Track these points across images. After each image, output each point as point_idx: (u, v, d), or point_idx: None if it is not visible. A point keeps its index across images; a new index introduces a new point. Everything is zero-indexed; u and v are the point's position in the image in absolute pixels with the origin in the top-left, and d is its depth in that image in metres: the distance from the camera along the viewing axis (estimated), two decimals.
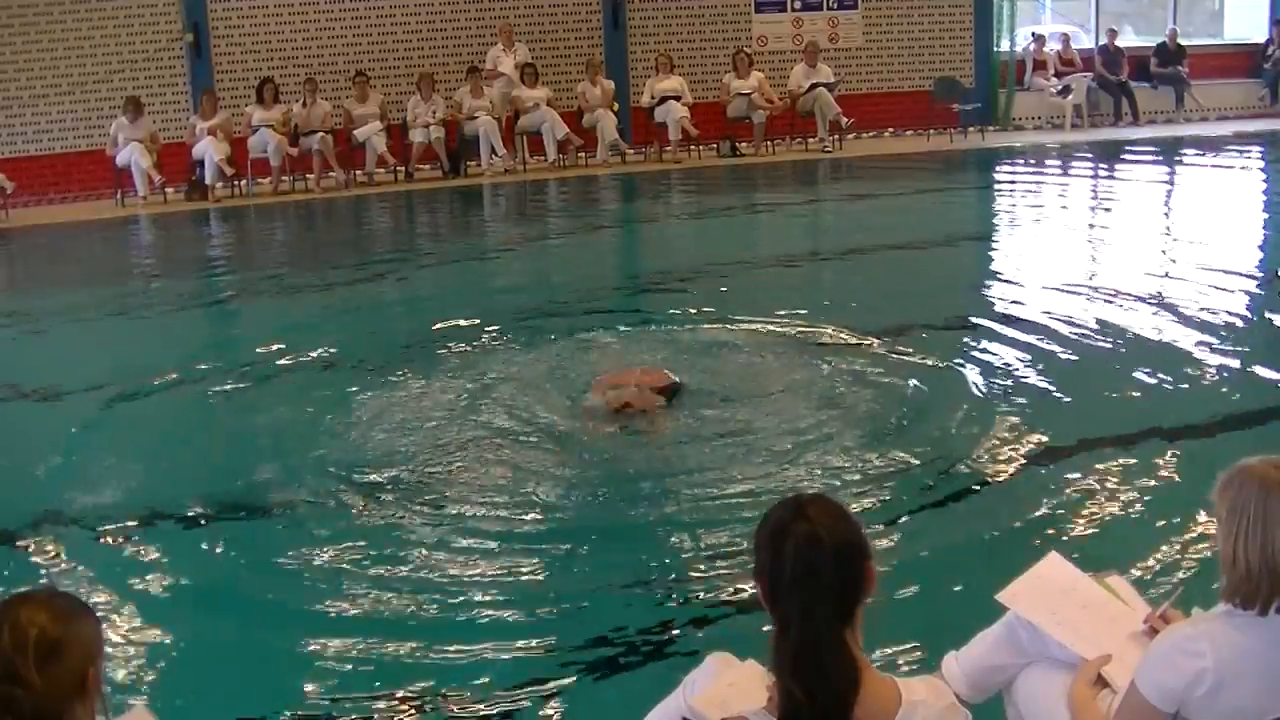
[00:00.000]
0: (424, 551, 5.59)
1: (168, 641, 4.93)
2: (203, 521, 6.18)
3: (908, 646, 4.29)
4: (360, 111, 18.75)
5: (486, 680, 4.54)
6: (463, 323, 9.75)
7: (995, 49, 21.86)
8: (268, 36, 19.72)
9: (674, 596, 5.18)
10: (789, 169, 19.15)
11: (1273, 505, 2.90)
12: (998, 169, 18.99)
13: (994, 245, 13.15)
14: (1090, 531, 5.46)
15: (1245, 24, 24.58)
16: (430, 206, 17.91)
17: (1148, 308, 9.27)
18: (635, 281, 12.21)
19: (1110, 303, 9.47)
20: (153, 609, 5.19)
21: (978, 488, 6.12)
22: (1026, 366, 8.00)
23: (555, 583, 5.34)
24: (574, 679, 4.55)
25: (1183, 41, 22.67)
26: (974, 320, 9.18)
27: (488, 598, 5.16)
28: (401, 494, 6.32)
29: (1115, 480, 6.00)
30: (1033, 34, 22.89)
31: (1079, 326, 8.85)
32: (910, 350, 8.50)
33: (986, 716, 3.57)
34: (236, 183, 18.32)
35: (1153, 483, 5.94)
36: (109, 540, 5.95)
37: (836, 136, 20.10)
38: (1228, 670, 2.94)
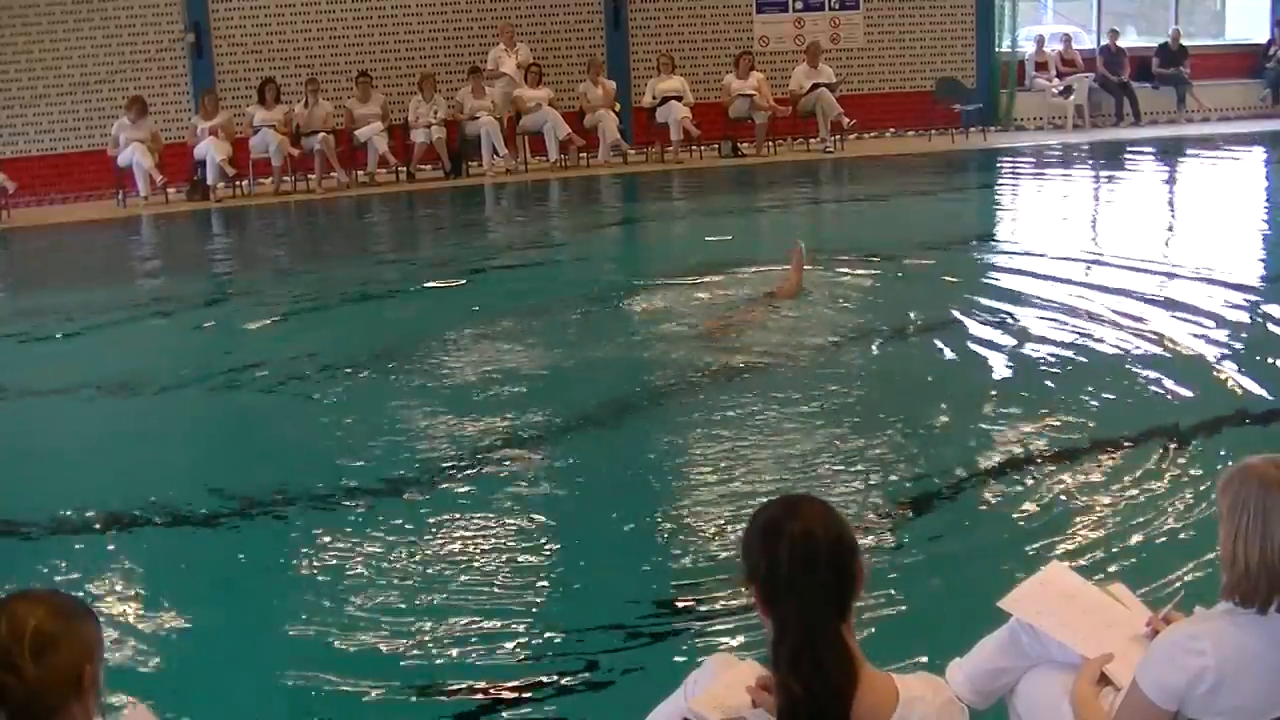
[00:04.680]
0: (428, 547, 5.60)
1: (169, 640, 4.93)
2: (204, 520, 6.18)
3: (911, 653, 4.28)
4: (362, 112, 18.75)
5: (486, 678, 4.54)
6: (474, 317, 9.81)
7: (997, 49, 21.84)
8: (269, 37, 19.73)
9: (677, 595, 5.18)
10: (791, 169, 19.14)
11: (1272, 503, 2.91)
12: (999, 170, 18.96)
13: (996, 244, 13.10)
14: (1093, 534, 5.44)
15: (1247, 24, 24.57)
16: (436, 206, 17.90)
17: (1150, 308, 9.25)
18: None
19: (1113, 303, 9.45)
20: (155, 608, 5.19)
21: (978, 491, 6.11)
22: (1029, 367, 8.01)
23: (556, 581, 5.35)
24: (575, 678, 4.55)
25: (1184, 42, 22.65)
26: (977, 320, 9.17)
27: (488, 594, 5.16)
28: (408, 491, 6.33)
29: (1118, 482, 5.99)
30: (1036, 35, 22.87)
31: (1081, 326, 8.84)
32: (911, 349, 8.51)
33: (988, 717, 3.58)
34: (238, 183, 18.31)
35: (1156, 484, 5.94)
36: (112, 539, 5.96)
37: (838, 137, 20.10)
38: (1229, 668, 2.95)
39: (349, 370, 8.72)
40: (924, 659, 4.07)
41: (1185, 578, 4.84)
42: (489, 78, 19.50)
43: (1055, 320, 9.05)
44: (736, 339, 8.93)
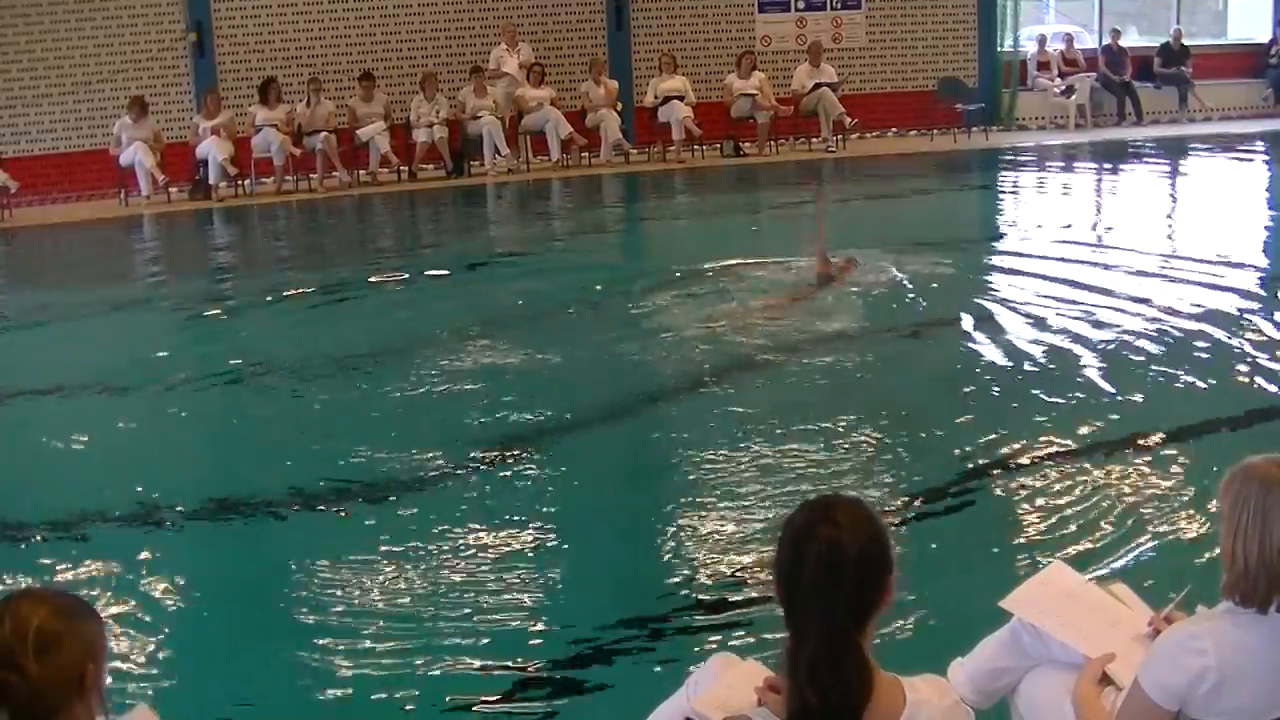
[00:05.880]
0: (425, 548, 5.60)
1: (169, 640, 4.93)
2: (205, 520, 6.19)
3: (913, 653, 4.28)
4: (364, 111, 18.75)
5: (485, 677, 4.55)
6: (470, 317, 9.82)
7: (999, 49, 21.83)
8: (271, 36, 19.71)
9: (679, 594, 5.18)
10: (793, 169, 19.13)
11: (1272, 503, 2.91)
12: (1001, 169, 18.92)
13: (999, 243, 13.07)
14: (1094, 534, 5.45)
15: (1248, 24, 24.55)
16: (438, 205, 17.91)
17: (1151, 308, 9.25)
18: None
19: (1115, 302, 9.46)
20: (154, 608, 5.20)
21: (983, 493, 6.11)
22: (1031, 366, 8.01)
23: (556, 582, 5.35)
24: (575, 678, 4.55)
25: (1186, 41, 22.63)
26: (979, 319, 9.18)
27: (487, 595, 5.16)
28: (404, 492, 6.33)
29: (1120, 480, 5.99)
30: (1038, 35, 22.86)
31: (1084, 326, 8.85)
32: (913, 348, 8.52)
33: (990, 717, 3.58)
34: (240, 182, 18.31)
35: (1158, 482, 5.94)
36: (113, 538, 5.95)
37: (840, 136, 20.10)
38: (1230, 668, 2.95)
39: (347, 368, 8.73)
40: (926, 659, 4.07)
41: (1187, 577, 4.84)
42: (491, 77, 19.48)
43: (1059, 320, 9.05)
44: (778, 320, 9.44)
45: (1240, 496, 2.97)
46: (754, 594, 5.00)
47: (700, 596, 5.13)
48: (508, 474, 6.54)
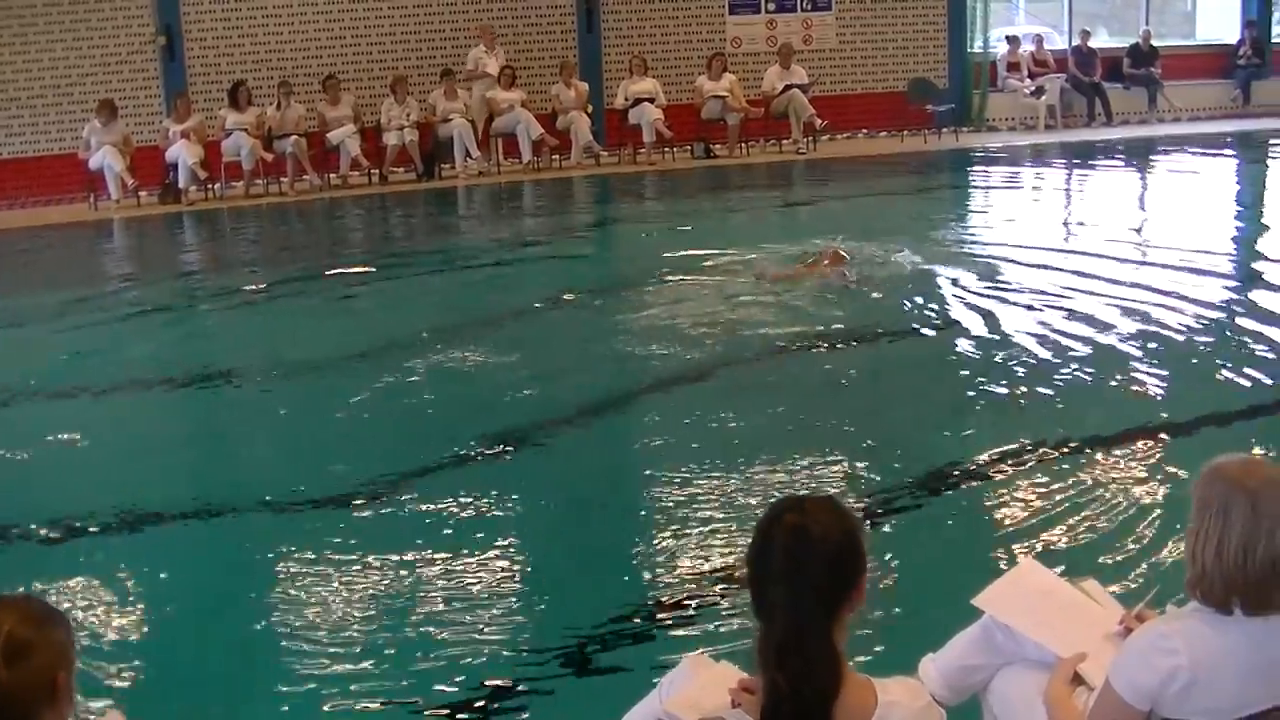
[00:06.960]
0: (398, 555, 5.58)
1: (139, 647, 4.91)
2: (174, 525, 6.15)
3: (884, 650, 4.29)
4: (332, 114, 18.69)
5: (462, 678, 4.54)
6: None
7: (969, 50, 21.91)
8: (241, 39, 19.65)
9: (653, 597, 5.17)
10: (763, 171, 19.17)
11: (1234, 503, 2.92)
12: (971, 170, 19.01)
13: (979, 244, 13.09)
14: (1069, 532, 5.47)
15: (1217, 25, 24.70)
16: (409, 208, 17.86)
17: (1128, 308, 9.27)
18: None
19: (1092, 304, 9.48)
20: (122, 614, 5.17)
21: (957, 490, 6.13)
22: (1010, 365, 8.04)
23: (531, 585, 5.35)
24: (549, 682, 4.55)
25: (1155, 42, 22.76)
26: (957, 319, 9.21)
27: (461, 597, 5.16)
28: (377, 498, 6.31)
29: (1094, 481, 6.01)
30: (1006, 36, 22.94)
31: (1062, 326, 8.87)
32: (896, 347, 8.55)
33: (964, 718, 3.58)
34: (210, 186, 18.24)
35: (1132, 483, 5.96)
36: (81, 543, 5.92)
37: (810, 138, 20.14)
38: (1201, 667, 2.95)
39: (318, 370, 8.71)
40: (899, 655, 4.08)
41: (1158, 575, 4.86)
42: (469, 79, 19.46)
43: (1036, 320, 9.09)
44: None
45: (1204, 497, 2.98)
46: (730, 596, 5.00)
47: (675, 599, 5.13)
48: (482, 477, 6.53)
